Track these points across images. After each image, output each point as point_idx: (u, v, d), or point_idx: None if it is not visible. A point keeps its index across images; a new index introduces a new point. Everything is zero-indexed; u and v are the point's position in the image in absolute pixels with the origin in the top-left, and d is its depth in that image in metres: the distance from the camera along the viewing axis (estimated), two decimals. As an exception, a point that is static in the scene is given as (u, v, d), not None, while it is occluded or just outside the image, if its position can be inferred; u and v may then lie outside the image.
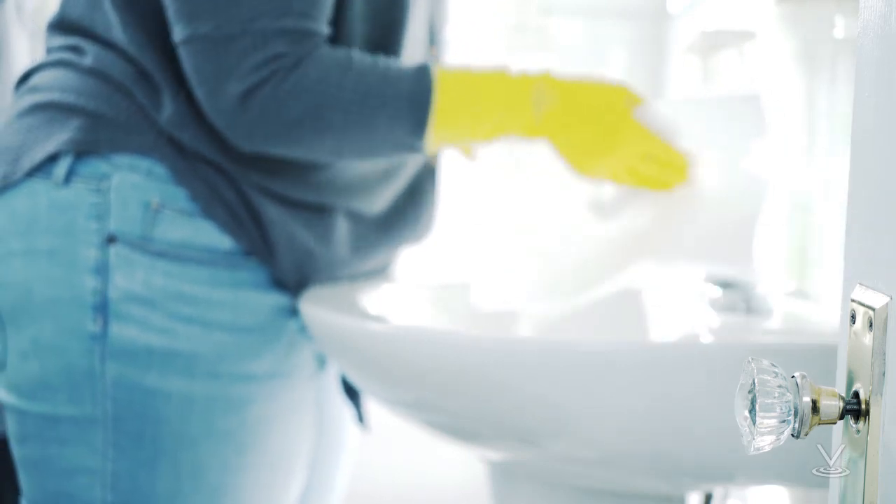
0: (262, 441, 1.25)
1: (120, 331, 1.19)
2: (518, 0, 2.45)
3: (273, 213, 1.23)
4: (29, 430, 1.23)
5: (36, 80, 1.26)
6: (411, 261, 1.43)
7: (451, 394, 1.07)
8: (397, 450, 2.31)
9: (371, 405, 1.39)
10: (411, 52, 1.28)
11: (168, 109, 1.20)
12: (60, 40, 1.27)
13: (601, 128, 1.21)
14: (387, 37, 1.25)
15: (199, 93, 1.17)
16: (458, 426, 1.12)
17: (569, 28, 2.42)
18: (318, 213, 1.26)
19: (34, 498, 1.24)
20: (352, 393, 1.38)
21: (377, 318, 1.15)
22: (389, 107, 1.17)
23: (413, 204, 1.36)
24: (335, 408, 1.40)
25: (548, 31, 2.44)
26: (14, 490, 1.41)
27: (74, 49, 1.25)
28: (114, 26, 1.21)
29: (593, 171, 1.23)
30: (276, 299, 1.25)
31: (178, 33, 1.16)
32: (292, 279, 1.25)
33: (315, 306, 1.20)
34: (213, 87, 1.15)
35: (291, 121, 1.16)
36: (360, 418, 1.39)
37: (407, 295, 1.36)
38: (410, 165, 1.34)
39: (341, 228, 1.28)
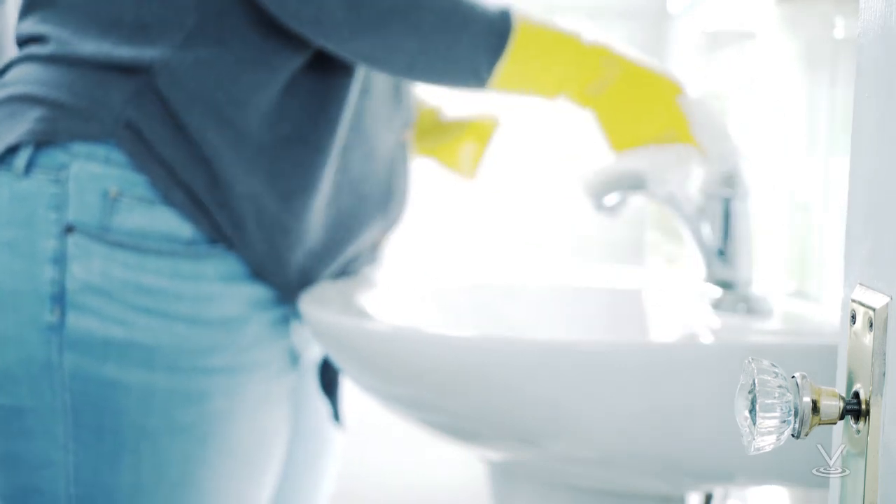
0: (225, 435, 1.23)
1: (77, 322, 1.18)
2: (518, 0, 2.44)
3: (242, 187, 1.20)
4: None
5: (6, 77, 1.25)
6: (410, 260, 1.43)
7: (451, 394, 1.07)
8: (397, 450, 2.32)
9: (370, 404, 1.38)
10: None
11: (160, 60, 1.18)
12: (28, 29, 1.26)
13: (649, 115, 1.23)
14: None
15: None
16: (457, 426, 1.12)
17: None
18: (291, 188, 1.24)
19: (5, 493, 1.24)
20: (329, 390, 1.37)
21: (377, 318, 1.15)
22: (475, 24, 1.19)
23: (388, 178, 1.34)
24: (319, 406, 1.39)
25: (548, 31, 2.43)
26: None
27: (38, 39, 1.24)
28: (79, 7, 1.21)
29: (628, 152, 1.25)
30: (244, 291, 1.23)
31: None
32: (266, 261, 1.22)
33: (315, 306, 1.19)
34: None
35: (385, 9, 1.17)
36: (336, 416, 1.38)
37: (407, 295, 1.36)
38: (383, 153, 1.33)
39: (313, 201, 1.25)
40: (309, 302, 1.22)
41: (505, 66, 1.21)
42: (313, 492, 1.42)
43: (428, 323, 1.33)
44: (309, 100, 1.23)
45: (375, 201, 1.32)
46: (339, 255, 1.30)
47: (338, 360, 1.20)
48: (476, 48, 1.19)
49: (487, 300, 1.39)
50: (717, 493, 1.28)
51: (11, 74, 1.25)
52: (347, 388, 1.40)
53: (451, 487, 2.34)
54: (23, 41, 1.27)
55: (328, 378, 1.36)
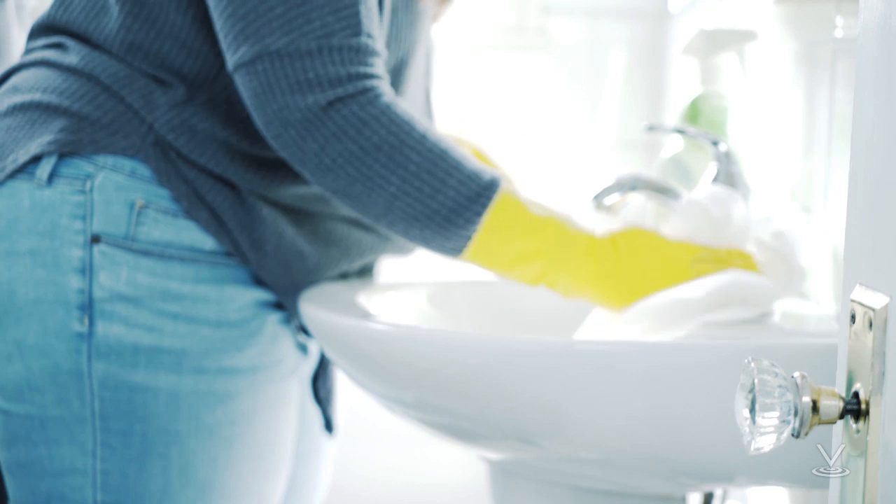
0: (248, 434, 1.25)
1: (106, 330, 1.19)
2: (518, 0, 2.45)
3: (266, 212, 1.23)
4: (16, 432, 1.22)
5: (16, 80, 1.25)
6: (409, 259, 1.43)
7: (451, 394, 1.07)
8: (397, 449, 2.32)
9: (370, 404, 1.39)
10: (414, 85, 1.29)
11: (165, 111, 1.19)
12: (43, 40, 1.26)
13: (654, 286, 1.15)
14: (398, 69, 1.25)
15: (268, 111, 1.14)
16: (457, 426, 1.12)
17: (569, 28, 2.42)
18: (309, 216, 1.26)
19: (24, 501, 1.24)
20: (321, 399, 1.38)
21: (377, 318, 1.15)
22: (461, 172, 1.14)
23: None
24: (310, 406, 1.40)
25: (548, 31, 2.44)
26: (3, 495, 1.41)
27: (57, 47, 1.25)
28: (119, 34, 1.21)
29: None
30: (258, 294, 1.25)
31: (243, 53, 1.14)
32: (279, 280, 1.25)
33: (315, 306, 1.20)
34: (287, 102, 1.13)
35: (370, 146, 1.14)
36: (328, 426, 1.39)
37: (407, 294, 1.36)
38: None
39: (331, 231, 1.28)
40: (309, 302, 1.22)
41: (485, 226, 1.15)
42: (312, 490, 1.43)
43: (428, 323, 1.33)
44: None
45: (392, 243, 1.34)
46: (346, 271, 1.32)
47: (338, 360, 1.21)
48: (461, 196, 1.14)
49: (487, 299, 1.39)
50: (717, 493, 1.28)
51: (24, 79, 1.25)
52: (347, 387, 1.41)
53: (451, 487, 2.34)
54: (36, 48, 1.27)
55: (320, 387, 1.37)
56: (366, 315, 1.16)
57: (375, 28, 1.16)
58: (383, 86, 1.15)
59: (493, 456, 1.18)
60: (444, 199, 1.14)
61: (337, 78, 1.13)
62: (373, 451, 2.32)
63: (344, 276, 1.33)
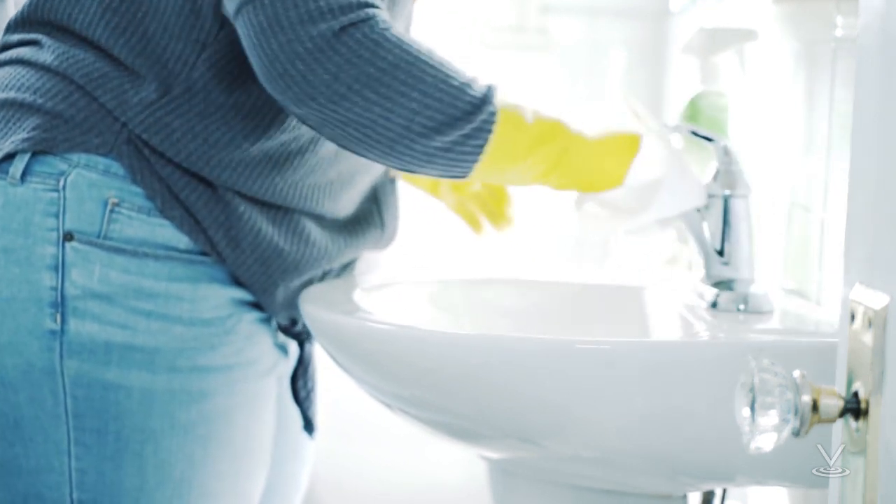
0: (224, 432, 1.24)
1: (78, 327, 1.18)
2: (518, 0, 2.45)
3: (243, 208, 1.22)
4: None
5: None
6: (409, 258, 1.43)
7: (451, 394, 1.07)
8: (396, 449, 2.32)
9: (370, 403, 1.39)
10: None
11: (139, 111, 1.19)
12: (19, 35, 1.26)
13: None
14: None
15: (274, 45, 1.11)
16: (457, 426, 1.12)
17: (569, 28, 2.42)
18: (286, 213, 1.26)
19: (3, 500, 1.24)
20: (300, 399, 1.38)
21: (377, 318, 1.15)
22: (474, 83, 1.16)
23: (378, 209, 1.36)
24: (291, 405, 1.40)
25: (548, 31, 2.44)
26: None
27: (32, 44, 1.24)
28: (104, 17, 1.21)
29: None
30: (234, 293, 1.24)
31: None
32: (257, 278, 1.24)
33: (315, 306, 1.20)
34: (298, 32, 1.10)
35: (388, 66, 1.12)
36: (307, 426, 1.40)
37: (406, 294, 1.36)
38: (370, 172, 1.33)
39: (309, 230, 1.27)
40: (309, 301, 1.22)
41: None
42: (294, 490, 1.43)
43: (428, 323, 1.33)
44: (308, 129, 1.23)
45: (371, 235, 1.34)
46: (326, 269, 1.32)
47: (337, 360, 1.21)
48: (475, 98, 1.15)
49: (487, 298, 1.39)
50: (718, 493, 1.28)
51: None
52: (348, 386, 1.41)
53: (451, 487, 2.34)
54: (11, 45, 1.27)
55: (300, 388, 1.37)
56: (366, 314, 1.16)
57: None
58: (384, 13, 1.14)
59: (493, 455, 1.18)
60: (463, 104, 1.14)
61: (346, 5, 1.11)
62: (373, 451, 2.32)
63: (325, 276, 1.33)
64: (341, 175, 1.29)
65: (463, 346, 1.05)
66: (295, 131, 1.23)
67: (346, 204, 1.31)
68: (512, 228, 1.41)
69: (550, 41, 2.43)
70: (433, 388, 1.08)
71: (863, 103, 0.69)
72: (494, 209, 1.40)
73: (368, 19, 1.12)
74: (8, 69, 1.24)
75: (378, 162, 1.18)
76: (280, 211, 1.25)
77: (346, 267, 1.37)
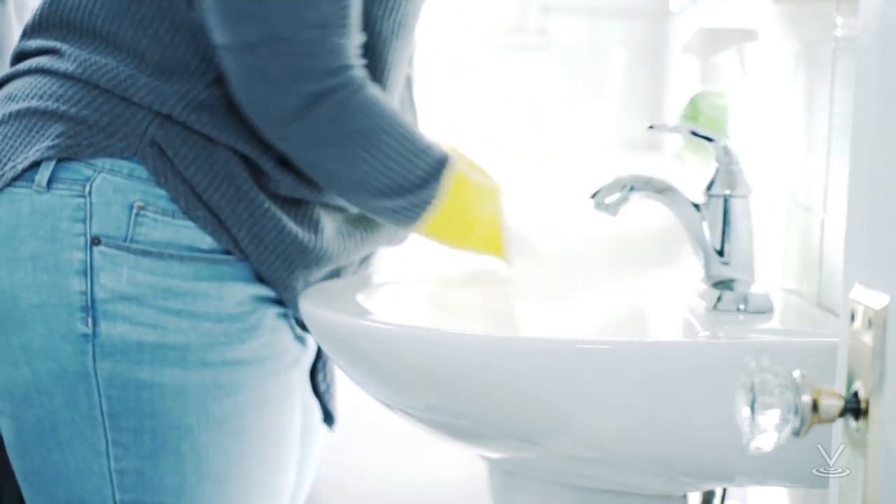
0: (256, 425, 1.26)
1: (110, 329, 1.20)
2: (518, 0, 2.45)
3: (266, 205, 1.24)
4: (29, 439, 1.24)
5: (11, 88, 1.26)
6: (409, 258, 1.44)
7: (451, 393, 1.07)
8: (397, 449, 2.32)
9: (370, 402, 1.39)
10: (397, 70, 1.31)
11: (179, 99, 1.21)
12: (38, 41, 1.27)
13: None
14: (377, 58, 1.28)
15: (259, 91, 1.19)
16: (457, 426, 1.12)
17: (569, 28, 2.43)
18: (307, 210, 1.28)
19: None
20: (319, 391, 1.39)
21: (376, 317, 1.15)
22: (430, 154, 1.25)
23: None
24: (308, 398, 1.41)
25: (548, 31, 2.44)
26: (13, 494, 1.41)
27: (51, 52, 1.25)
28: (122, 17, 1.22)
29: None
30: (256, 290, 1.26)
31: (249, 33, 1.17)
32: (279, 274, 1.26)
33: (315, 306, 1.20)
34: (283, 87, 1.18)
35: (352, 130, 1.21)
36: (326, 418, 1.41)
37: (406, 293, 1.36)
38: None
39: (329, 225, 1.30)
40: (309, 301, 1.22)
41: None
42: (305, 478, 1.44)
43: (428, 322, 1.33)
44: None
45: (386, 230, 1.37)
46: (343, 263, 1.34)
47: (337, 359, 1.21)
48: (425, 173, 1.23)
49: (487, 298, 1.39)
50: (718, 492, 1.28)
51: (20, 86, 1.26)
52: (348, 384, 1.41)
53: (451, 486, 2.34)
54: (30, 53, 1.28)
55: (320, 381, 1.38)
56: (365, 314, 1.16)
57: (357, 17, 1.22)
58: (362, 75, 1.22)
59: (493, 455, 1.18)
60: (413, 177, 1.23)
61: (331, 70, 1.19)
62: (373, 450, 2.32)
63: (343, 270, 1.34)
64: None
65: (463, 346, 1.05)
66: None
67: None
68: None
69: (550, 41, 2.43)
70: (433, 388, 1.08)
71: (863, 103, 0.69)
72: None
73: (349, 84, 1.20)
74: (28, 78, 1.26)
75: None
76: (301, 207, 1.27)
77: (364, 262, 1.39)
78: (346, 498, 2.12)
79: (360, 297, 1.24)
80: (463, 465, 2.26)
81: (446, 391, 1.07)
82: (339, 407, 1.44)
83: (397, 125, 1.23)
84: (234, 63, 1.19)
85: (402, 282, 1.38)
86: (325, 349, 1.24)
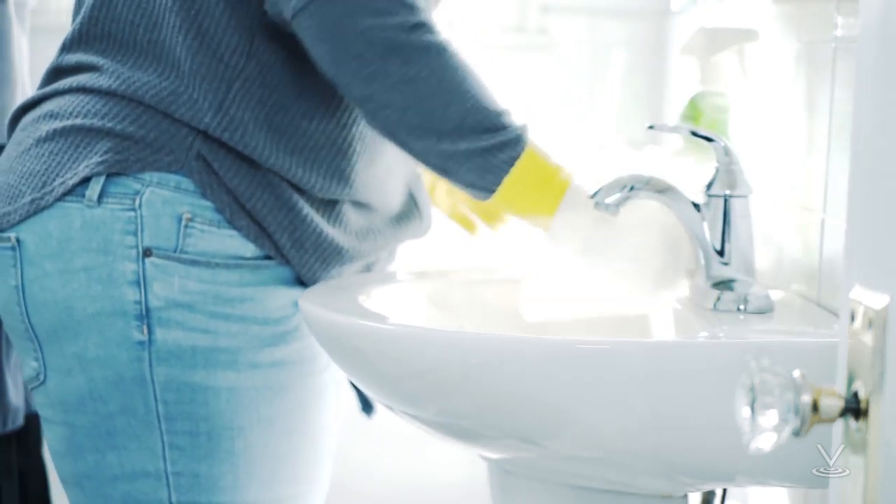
0: (301, 424, 1.31)
1: (165, 336, 1.23)
2: (518, 0, 2.45)
3: (305, 211, 1.27)
4: (82, 444, 1.27)
5: (51, 106, 1.28)
6: (409, 258, 1.44)
7: (451, 393, 1.07)
8: (397, 449, 2.32)
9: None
10: None
11: (213, 115, 1.23)
12: (76, 57, 1.29)
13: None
14: None
15: (351, 30, 1.19)
16: (457, 426, 1.12)
17: (569, 28, 2.43)
18: (340, 212, 1.31)
19: None
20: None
21: (377, 318, 1.15)
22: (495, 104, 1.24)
23: (414, 200, 1.42)
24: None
25: (548, 31, 2.44)
26: (13, 494, 1.42)
27: (91, 69, 1.27)
28: (161, 24, 1.24)
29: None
30: (295, 293, 1.30)
31: None
32: (318, 276, 1.30)
33: (315, 306, 1.20)
34: (376, 21, 1.19)
35: (456, 63, 1.21)
36: (364, 406, 1.44)
37: (406, 293, 1.36)
38: (407, 164, 1.39)
39: (362, 225, 1.33)
40: (309, 301, 1.22)
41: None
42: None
43: (428, 322, 1.33)
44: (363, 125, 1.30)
45: (413, 225, 1.41)
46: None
47: (337, 359, 1.21)
48: (510, 125, 1.24)
49: (487, 297, 1.39)
50: (718, 492, 1.28)
51: (62, 104, 1.28)
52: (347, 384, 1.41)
53: (451, 486, 2.35)
54: (69, 68, 1.30)
55: None
56: (365, 314, 1.16)
57: None
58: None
59: (493, 455, 1.18)
60: (497, 121, 1.23)
61: (412, 5, 1.20)
62: (373, 450, 2.32)
63: (370, 266, 1.38)
64: (389, 165, 1.35)
65: (463, 346, 1.05)
66: (349, 115, 1.29)
67: (393, 195, 1.38)
68: (506, 226, 1.43)
69: (550, 41, 2.43)
70: (433, 389, 1.08)
71: (863, 103, 0.69)
72: (487, 208, 1.42)
73: (429, 22, 1.21)
74: (69, 97, 1.28)
75: (413, 155, 1.24)
76: (333, 208, 1.30)
77: (389, 255, 1.43)
78: (347, 497, 2.12)
79: (360, 297, 1.24)
80: (463, 465, 2.26)
81: (446, 391, 1.07)
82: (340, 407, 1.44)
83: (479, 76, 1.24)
84: (320, 17, 1.19)
85: (402, 282, 1.38)
86: (325, 349, 1.24)
